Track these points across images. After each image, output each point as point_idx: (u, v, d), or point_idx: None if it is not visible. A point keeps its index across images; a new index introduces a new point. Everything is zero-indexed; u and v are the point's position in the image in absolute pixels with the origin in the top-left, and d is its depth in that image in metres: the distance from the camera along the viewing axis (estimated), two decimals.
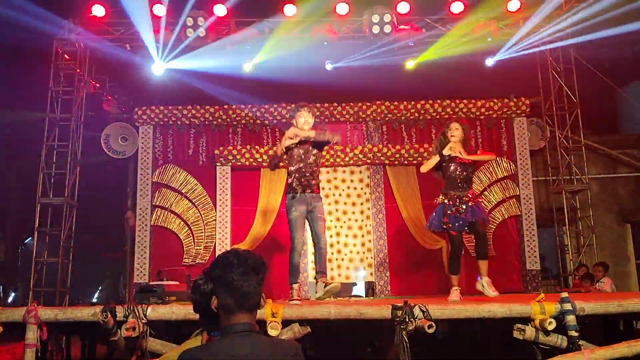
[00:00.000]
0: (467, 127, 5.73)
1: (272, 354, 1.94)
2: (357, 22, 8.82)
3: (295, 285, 5.16)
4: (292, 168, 5.33)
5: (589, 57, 9.72)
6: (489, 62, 8.93)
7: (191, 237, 8.67)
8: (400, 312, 3.60)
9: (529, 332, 3.71)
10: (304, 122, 5.32)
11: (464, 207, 5.34)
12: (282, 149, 5.37)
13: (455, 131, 5.52)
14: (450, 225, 5.38)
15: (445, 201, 5.46)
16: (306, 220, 5.29)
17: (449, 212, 5.39)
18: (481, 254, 5.59)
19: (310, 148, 5.34)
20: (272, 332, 3.51)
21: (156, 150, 8.90)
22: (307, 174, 5.27)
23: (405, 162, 8.70)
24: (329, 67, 8.94)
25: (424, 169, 5.75)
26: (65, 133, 8.77)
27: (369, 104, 8.93)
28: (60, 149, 8.77)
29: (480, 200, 5.77)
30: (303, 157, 5.30)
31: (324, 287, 5.11)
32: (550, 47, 8.97)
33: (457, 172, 5.46)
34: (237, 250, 2.07)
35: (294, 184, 5.27)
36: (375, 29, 8.46)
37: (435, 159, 5.58)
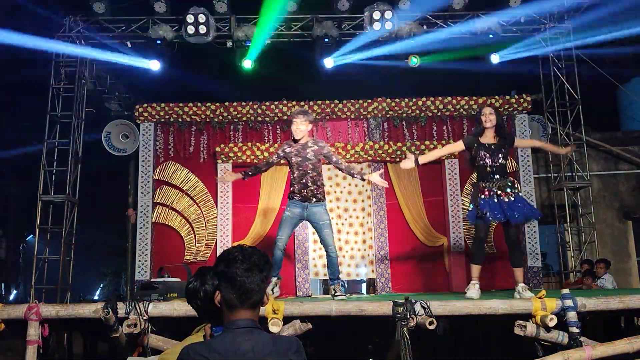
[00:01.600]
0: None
1: (273, 350, 1.94)
2: (358, 19, 8.82)
3: (273, 279, 5.23)
4: (293, 176, 5.34)
5: (591, 54, 9.71)
6: (494, 59, 8.89)
7: (192, 235, 8.68)
8: (402, 308, 3.60)
9: (530, 328, 3.72)
10: (296, 130, 5.26)
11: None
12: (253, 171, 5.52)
13: (490, 116, 4.99)
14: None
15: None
16: (298, 223, 5.38)
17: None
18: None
19: (310, 157, 5.29)
20: (274, 329, 3.52)
21: (157, 147, 8.90)
22: (309, 184, 5.24)
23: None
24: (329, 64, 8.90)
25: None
26: (66, 130, 8.78)
27: (370, 100, 8.91)
28: (62, 146, 8.78)
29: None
30: (301, 165, 5.26)
31: (332, 295, 5.13)
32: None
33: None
34: (243, 246, 2.07)
35: (295, 190, 5.29)
36: (377, 26, 8.45)
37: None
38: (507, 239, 5.00)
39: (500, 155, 4.95)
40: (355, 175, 5.42)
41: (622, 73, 11.25)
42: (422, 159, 5.14)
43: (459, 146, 5.20)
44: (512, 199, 4.87)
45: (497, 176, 4.92)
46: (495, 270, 8.49)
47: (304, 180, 5.24)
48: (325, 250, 5.38)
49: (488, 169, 4.94)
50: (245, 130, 8.99)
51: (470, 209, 5.10)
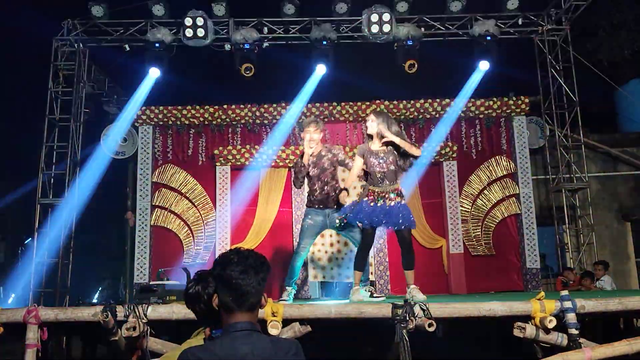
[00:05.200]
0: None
1: (272, 352, 1.94)
2: (356, 21, 8.84)
3: (288, 288, 5.19)
4: (313, 187, 5.29)
5: (588, 55, 9.74)
6: (483, 65, 8.88)
7: (191, 237, 8.67)
8: (401, 310, 3.60)
9: (530, 330, 3.71)
10: (310, 141, 5.22)
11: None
12: (307, 158, 5.22)
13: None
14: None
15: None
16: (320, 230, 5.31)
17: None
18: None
19: (326, 166, 5.27)
20: (273, 331, 3.51)
21: (156, 150, 8.90)
22: (331, 193, 5.20)
23: None
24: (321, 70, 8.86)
25: None
26: (64, 134, 8.78)
27: (368, 103, 8.92)
28: (60, 149, 8.78)
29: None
30: (320, 176, 5.23)
31: (370, 296, 5.08)
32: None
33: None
34: (239, 249, 2.07)
35: (316, 200, 5.23)
36: (374, 28, 8.46)
37: None
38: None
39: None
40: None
41: (620, 74, 11.29)
42: (346, 184, 5.20)
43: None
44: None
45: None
46: (494, 272, 8.50)
47: (326, 190, 5.22)
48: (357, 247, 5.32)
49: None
50: (243, 132, 8.99)
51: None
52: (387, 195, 4.88)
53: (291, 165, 8.65)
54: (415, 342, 3.57)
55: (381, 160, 4.93)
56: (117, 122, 9.24)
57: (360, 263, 4.99)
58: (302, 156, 5.29)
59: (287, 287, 5.24)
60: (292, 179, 5.53)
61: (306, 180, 5.43)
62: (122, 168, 10.01)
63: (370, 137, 5.09)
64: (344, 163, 5.36)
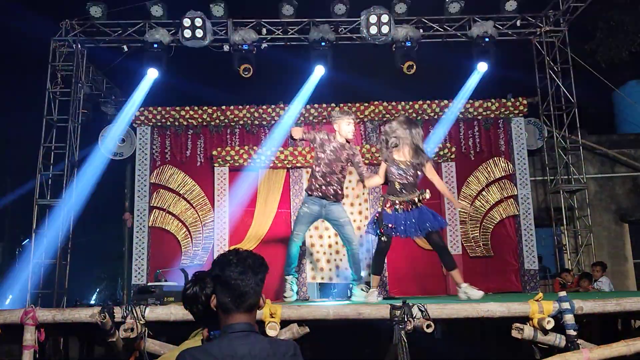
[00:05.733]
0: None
1: (270, 353, 1.94)
2: (354, 23, 8.84)
3: (289, 277, 5.20)
4: (317, 169, 5.30)
5: (586, 57, 9.75)
6: (481, 66, 8.90)
7: (189, 238, 8.66)
8: (399, 311, 3.59)
9: (528, 331, 3.71)
10: (349, 132, 5.34)
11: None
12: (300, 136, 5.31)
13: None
14: None
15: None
16: (317, 221, 5.39)
17: None
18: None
19: (343, 159, 5.31)
20: (271, 333, 3.51)
21: (154, 151, 8.89)
22: (333, 183, 5.25)
23: None
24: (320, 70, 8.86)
25: None
26: (62, 134, 8.76)
27: (366, 104, 8.93)
28: (58, 150, 8.77)
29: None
30: (332, 163, 5.25)
31: (365, 296, 5.16)
32: None
33: None
34: (238, 250, 2.07)
35: (315, 186, 5.25)
36: (373, 29, 8.47)
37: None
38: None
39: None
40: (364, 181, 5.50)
41: (618, 76, 11.31)
42: (365, 182, 5.50)
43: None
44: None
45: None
46: (492, 273, 8.51)
47: (329, 179, 5.23)
48: (349, 247, 5.36)
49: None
50: (242, 133, 8.98)
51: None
52: (405, 204, 5.03)
53: (290, 166, 8.66)
54: (413, 343, 3.57)
55: (402, 172, 5.04)
56: (115, 122, 9.22)
57: (377, 267, 5.12)
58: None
59: (287, 277, 5.25)
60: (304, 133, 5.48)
61: (313, 166, 5.44)
62: (120, 169, 10.00)
63: (396, 145, 5.13)
64: (358, 165, 5.42)
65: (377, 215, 5.11)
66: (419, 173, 5.18)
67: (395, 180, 5.11)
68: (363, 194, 8.82)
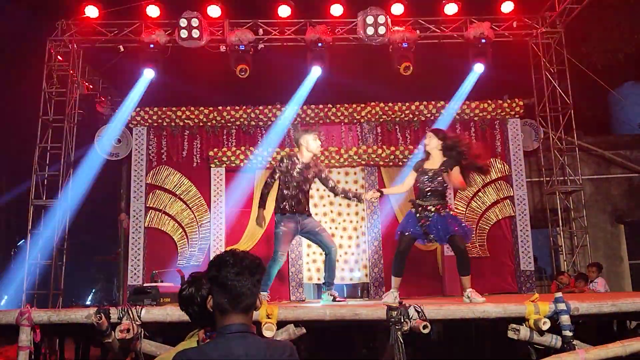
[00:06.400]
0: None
1: (267, 354, 1.93)
2: (351, 23, 8.84)
3: (264, 294, 5.24)
4: (286, 192, 5.36)
5: (582, 58, 9.77)
6: (478, 68, 8.92)
7: (185, 239, 8.64)
8: (396, 312, 3.60)
9: (524, 332, 3.72)
10: (317, 148, 5.43)
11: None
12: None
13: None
14: None
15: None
16: (296, 237, 5.49)
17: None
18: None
19: (310, 177, 5.42)
20: (267, 333, 3.50)
21: (150, 151, 8.87)
22: (302, 200, 5.39)
23: (400, 163, 8.71)
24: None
25: None
26: (58, 135, 8.74)
27: (363, 105, 8.93)
28: (54, 150, 8.74)
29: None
30: (301, 184, 5.38)
31: (332, 300, 5.24)
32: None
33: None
34: (235, 251, 2.07)
35: (286, 207, 5.33)
36: (370, 30, 8.48)
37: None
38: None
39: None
40: (351, 198, 5.70)
41: (613, 77, 11.33)
42: (386, 191, 6.30)
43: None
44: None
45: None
46: (488, 273, 8.51)
47: (299, 197, 5.36)
48: (327, 253, 5.42)
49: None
50: (238, 134, 8.98)
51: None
52: (431, 209, 5.14)
53: None
54: (409, 344, 3.57)
55: (428, 180, 5.19)
56: (111, 123, 9.21)
57: (397, 268, 5.17)
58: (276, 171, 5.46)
59: (262, 293, 5.28)
60: (267, 177, 5.60)
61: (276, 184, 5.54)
62: (116, 169, 9.97)
63: (428, 153, 5.33)
64: (327, 180, 5.57)
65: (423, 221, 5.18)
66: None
67: (422, 187, 5.29)
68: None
